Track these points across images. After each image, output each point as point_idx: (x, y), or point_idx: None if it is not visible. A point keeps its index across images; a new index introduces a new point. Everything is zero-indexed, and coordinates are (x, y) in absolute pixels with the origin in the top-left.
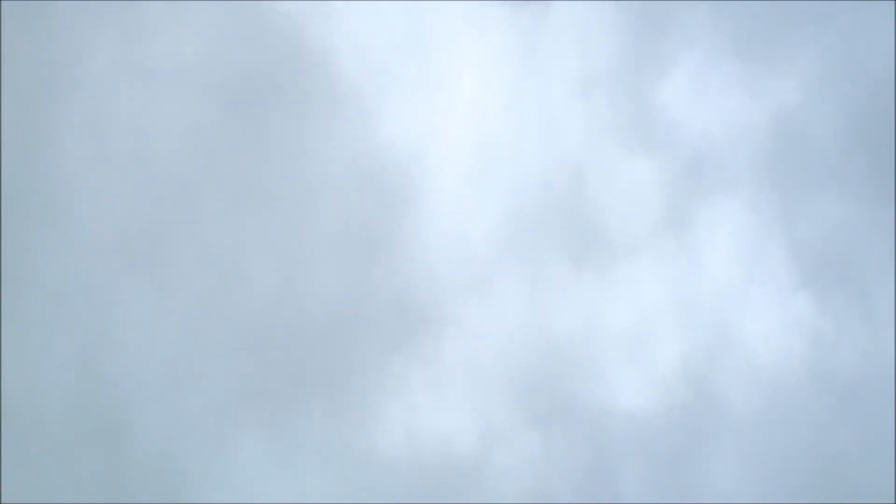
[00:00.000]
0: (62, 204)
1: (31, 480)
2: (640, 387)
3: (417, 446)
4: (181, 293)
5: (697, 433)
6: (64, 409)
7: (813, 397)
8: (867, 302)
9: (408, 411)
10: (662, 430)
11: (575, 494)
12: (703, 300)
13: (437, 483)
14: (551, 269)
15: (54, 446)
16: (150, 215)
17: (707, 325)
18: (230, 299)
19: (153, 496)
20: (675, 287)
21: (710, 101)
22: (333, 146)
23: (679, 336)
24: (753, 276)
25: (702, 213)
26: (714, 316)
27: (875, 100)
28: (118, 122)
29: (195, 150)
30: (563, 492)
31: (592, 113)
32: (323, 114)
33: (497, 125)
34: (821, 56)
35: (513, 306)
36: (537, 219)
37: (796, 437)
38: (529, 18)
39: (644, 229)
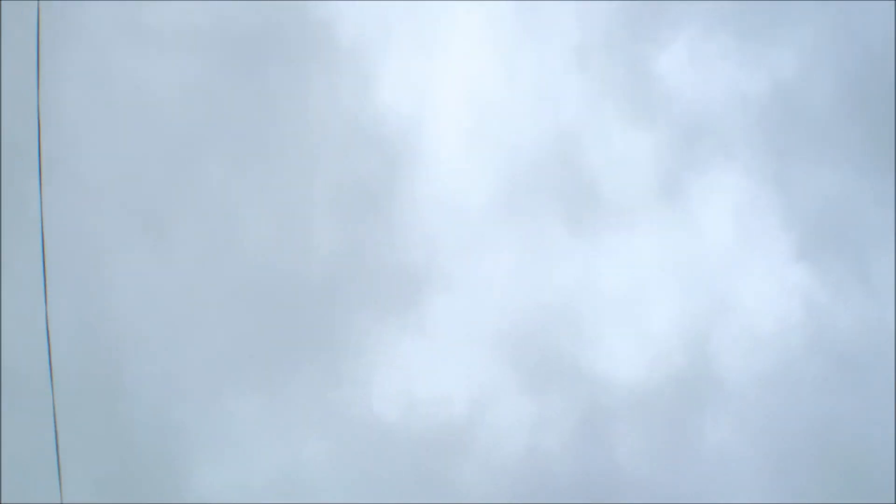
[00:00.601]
0: (62, 160)
1: (32, 436)
2: (635, 351)
3: (411, 408)
4: (180, 252)
5: (693, 398)
6: (62, 366)
7: (811, 363)
8: (865, 268)
9: (402, 374)
10: (658, 394)
11: (569, 457)
12: (699, 267)
13: (431, 444)
14: (546, 234)
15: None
16: (149, 174)
17: (703, 292)
18: (228, 258)
19: (149, 453)
20: (670, 253)
21: (707, 70)
22: (331, 108)
23: (675, 302)
24: (750, 243)
25: (698, 180)
26: (710, 282)
27: (872, 69)
28: (119, 80)
29: (195, 108)
30: (557, 454)
31: (589, 80)
32: (322, 75)
33: (494, 90)
34: (818, 26)
35: (507, 270)
36: (532, 183)
37: (794, 402)
38: None
39: (640, 196)
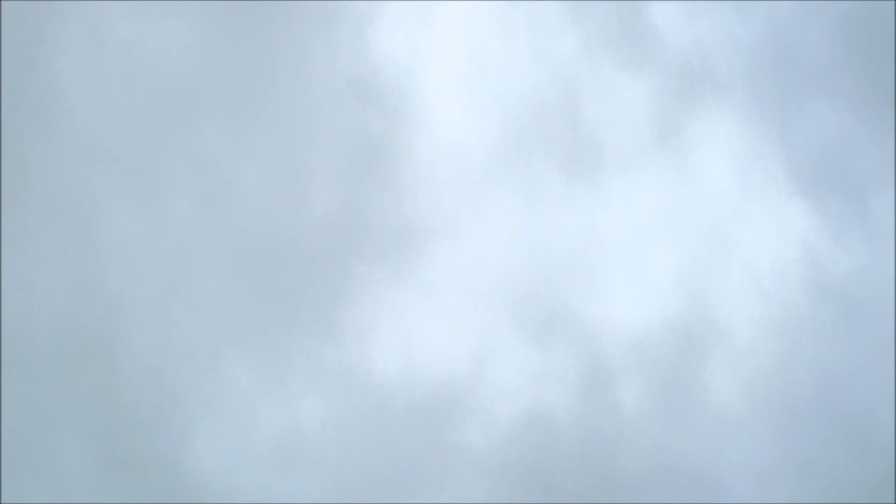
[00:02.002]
0: (57, 120)
1: (25, 398)
2: (637, 299)
3: (413, 366)
4: (176, 210)
5: (695, 345)
6: (58, 328)
7: (811, 307)
8: (865, 211)
9: (403, 330)
10: (660, 343)
11: (573, 408)
12: (698, 212)
13: (432, 402)
14: (545, 185)
15: (48, 364)
16: (146, 132)
17: (703, 237)
18: (225, 217)
19: (146, 414)
20: (670, 199)
21: (702, 15)
22: (328, 62)
23: (675, 248)
24: (749, 187)
25: (695, 125)
26: (710, 228)
27: (871, 8)
28: (115, 38)
29: (191, 65)
30: (562, 406)
31: (585, 27)
32: (318, 29)
33: (490, 41)
34: None
35: (507, 221)
36: (530, 134)
37: (794, 347)
38: None
39: (638, 142)
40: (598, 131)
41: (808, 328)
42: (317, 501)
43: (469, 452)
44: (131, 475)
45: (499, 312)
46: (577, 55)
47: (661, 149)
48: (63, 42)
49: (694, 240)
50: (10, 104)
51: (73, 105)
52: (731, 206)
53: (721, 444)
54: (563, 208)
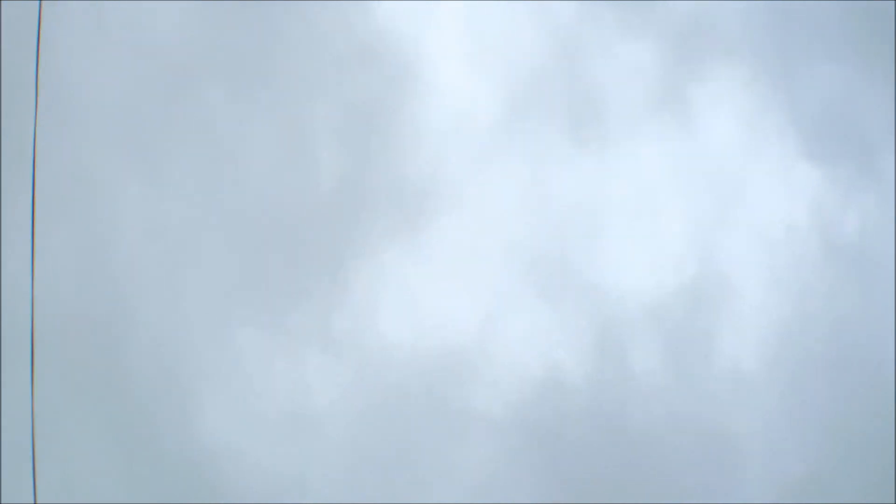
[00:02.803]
0: (59, 95)
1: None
2: (646, 258)
3: (422, 331)
4: (181, 181)
5: (705, 302)
6: (65, 300)
7: (820, 263)
8: (871, 167)
9: (411, 296)
10: (671, 301)
11: (585, 368)
12: (705, 172)
13: (443, 366)
14: (551, 147)
15: (56, 340)
16: (148, 103)
17: (711, 197)
18: (231, 186)
19: (156, 386)
20: (676, 160)
21: None
22: (332, 30)
23: (683, 208)
24: (755, 146)
25: (701, 85)
26: (717, 187)
27: None
28: (117, 9)
29: (194, 35)
30: (573, 366)
31: None
32: None
33: (494, 6)
34: None
35: (514, 185)
36: (535, 97)
37: (804, 303)
38: None
39: (643, 103)
40: (603, 93)
41: (818, 284)
42: (327, 467)
43: (480, 415)
44: (142, 447)
45: (507, 275)
46: (580, 18)
47: (666, 109)
48: (64, 16)
49: (701, 199)
50: (11, 81)
51: (75, 80)
52: (738, 166)
53: (733, 400)
54: (569, 170)
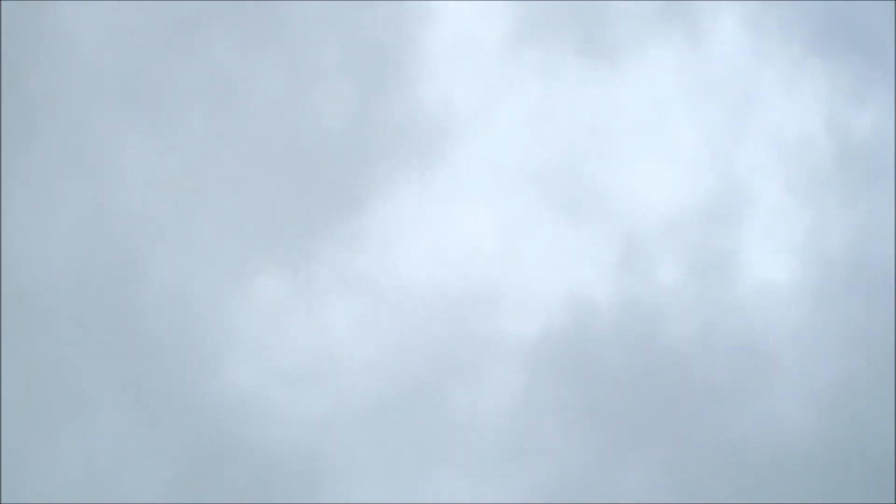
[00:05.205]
0: (60, 45)
1: (46, 332)
2: (664, 174)
3: (443, 263)
4: (189, 126)
5: (726, 215)
6: (76, 251)
7: (836, 170)
8: (883, 68)
9: (430, 229)
10: (692, 215)
11: (610, 287)
12: (716, 83)
13: (466, 297)
14: (560, 67)
15: (69, 295)
16: (152, 49)
17: (723, 108)
18: (239, 129)
19: (172, 338)
20: (686, 71)
21: None
22: None
23: (696, 120)
24: (764, 53)
25: None
26: (729, 97)
27: None
28: None
29: None
30: (598, 286)
31: None
32: None
33: None
34: None
35: (526, 108)
36: (542, 15)
37: (822, 211)
38: None
39: (652, 15)
40: (610, 8)
41: (835, 191)
42: (352, 408)
43: (506, 343)
44: (162, 400)
45: (525, 199)
46: None
47: (674, 19)
48: None
49: (714, 111)
50: (11, 33)
51: (75, 26)
52: (747, 71)
53: (761, 311)
54: (580, 88)
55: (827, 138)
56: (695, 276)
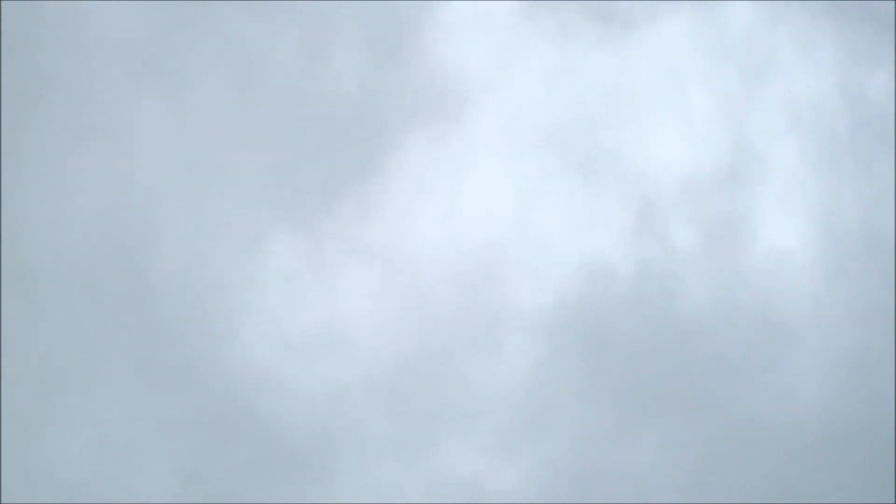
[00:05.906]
0: (74, 13)
1: (56, 302)
2: (679, 139)
3: (458, 233)
4: (202, 95)
5: (741, 181)
6: (87, 222)
7: (851, 134)
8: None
9: (444, 198)
10: (707, 181)
11: (625, 254)
12: (731, 47)
13: (480, 266)
14: (573, 33)
15: (81, 265)
16: (165, 17)
17: (739, 72)
18: (253, 97)
19: (182, 304)
20: (702, 36)
21: None
22: None
23: (712, 84)
24: (781, 16)
25: None
26: (745, 62)
27: None
28: None
29: None
30: (614, 252)
31: None
32: None
33: None
34: None
35: (539, 74)
36: None
37: (839, 177)
38: None
39: None
40: None
41: (852, 157)
42: (367, 378)
43: (522, 309)
44: (174, 372)
45: (541, 165)
46: None
47: None
48: None
49: (730, 75)
50: (21, 4)
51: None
52: (764, 38)
53: (779, 279)
54: (594, 52)
55: (843, 103)
56: (710, 242)
